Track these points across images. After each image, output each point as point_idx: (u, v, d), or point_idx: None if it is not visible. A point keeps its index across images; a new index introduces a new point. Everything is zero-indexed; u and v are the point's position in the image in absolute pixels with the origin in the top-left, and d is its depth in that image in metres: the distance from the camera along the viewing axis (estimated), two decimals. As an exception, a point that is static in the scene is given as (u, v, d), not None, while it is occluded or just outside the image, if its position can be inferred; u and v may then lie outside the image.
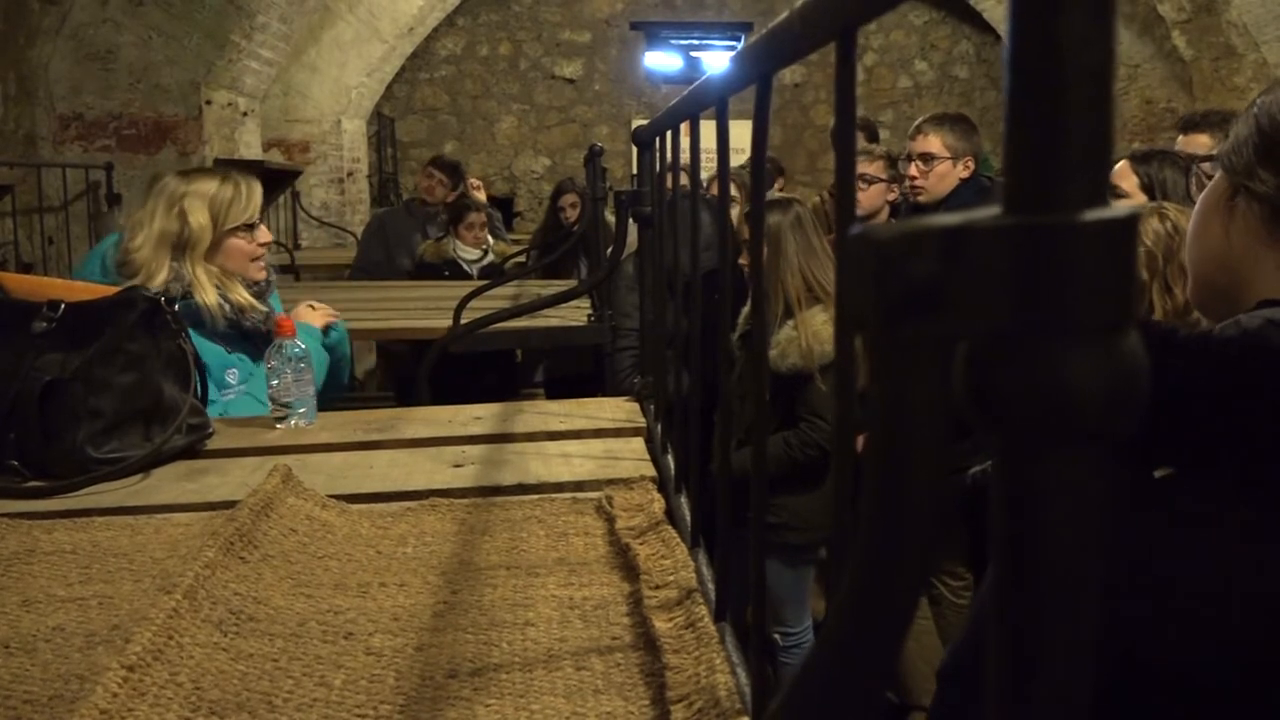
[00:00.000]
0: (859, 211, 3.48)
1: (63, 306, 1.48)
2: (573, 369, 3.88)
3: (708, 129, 1.00)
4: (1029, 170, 0.27)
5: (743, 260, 2.53)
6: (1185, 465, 0.71)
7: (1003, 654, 0.29)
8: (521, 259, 4.80)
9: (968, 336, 0.28)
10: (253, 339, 1.98)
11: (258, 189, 2.01)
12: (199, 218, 1.90)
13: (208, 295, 1.90)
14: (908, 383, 0.29)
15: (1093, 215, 0.26)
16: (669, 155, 1.33)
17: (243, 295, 1.95)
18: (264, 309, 1.99)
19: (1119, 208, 0.27)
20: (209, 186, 1.94)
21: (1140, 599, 0.67)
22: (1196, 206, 0.87)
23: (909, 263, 0.27)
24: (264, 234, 2.03)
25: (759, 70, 0.64)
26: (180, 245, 1.90)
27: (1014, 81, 0.27)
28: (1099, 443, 0.28)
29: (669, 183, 1.36)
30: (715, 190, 3.44)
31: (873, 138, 4.07)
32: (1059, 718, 0.30)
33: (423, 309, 3.44)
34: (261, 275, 2.03)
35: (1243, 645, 0.66)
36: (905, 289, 0.27)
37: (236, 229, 1.96)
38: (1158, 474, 0.71)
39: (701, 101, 0.93)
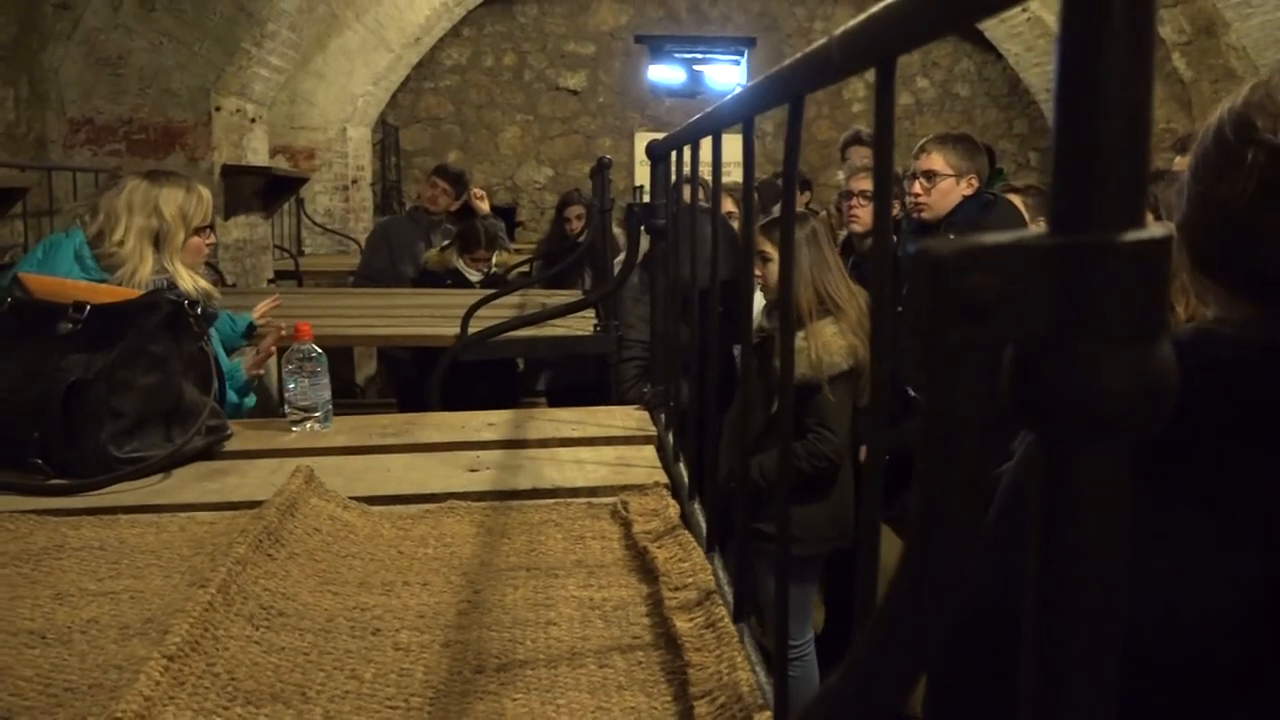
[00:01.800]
0: (858, 228, 3.53)
1: (87, 308, 1.50)
2: (576, 378, 3.90)
3: (709, 144, 1.04)
4: (1073, 194, 0.30)
5: (759, 272, 2.56)
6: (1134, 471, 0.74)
7: (1038, 639, 0.32)
8: (524, 269, 4.83)
9: (1014, 343, 0.31)
10: (209, 323, 2.16)
11: (209, 196, 2.30)
12: (174, 220, 2.14)
13: (188, 284, 2.11)
14: (957, 386, 0.32)
15: (1130, 236, 0.29)
16: (685, 169, 1.36)
17: (206, 283, 2.21)
18: (219, 295, 2.28)
19: (1154, 229, 0.30)
20: (178, 192, 2.19)
21: None
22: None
23: (964, 276, 0.30)
24: (211, 236, 2.33)
25: (791, 92, 0.68)
26: (157, 241, 2.13)
27: (1061, 114, 0.30)
28: (1129, 439, 0.31)
29: (685, 196, 1.39)
30: (724, 203, 3.47)
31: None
32: (1091, 704, 0.32)
33: (426, 316, 3.47)
34: (202, 268, 2.31)
35: (1184, 651, 0.69)
36: (960, 300, 0.30)
37: (199, 229, 2.22)
38: None
39: (726, 119, 0.96)
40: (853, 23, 0.51)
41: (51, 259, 2.11)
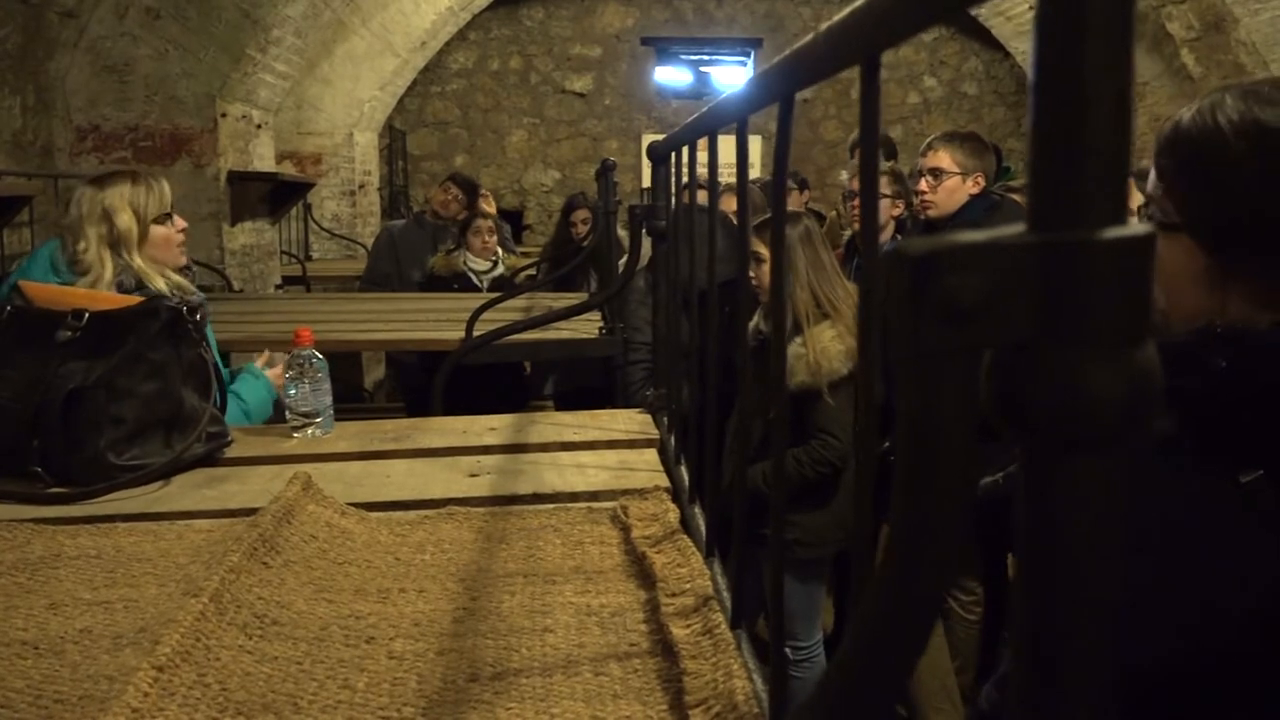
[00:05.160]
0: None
1: (87, 315, 1.50)
2: (584, 381, 3.89)
3: (721, 144, 1.02)
4: (1052, 191, 0.29)
5: (752, 273, 2.54)
6: (1274, 467, 0.71)
7: (1026, 648, 0.31)
8: (531, 272, 4.83)
9: (994, 347, 0.29)
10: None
11: (165, 183, 2.24)
12: (123, 217, 2.11)
13: (158, 283, 2.07)
14: (936, 391, 0.31)
15: (1112, 233, 0.28)
16: (685, 170, 1.35)
17: (177, 278, 2.15)
18: (195, 290, 2.19)
19: (1136, 225, 0.28)
20: (124, 188, 2.14)
21: (1231, 599, 0.68)
22: (1161, 269, 0.84)
23: (940, 277, 0.29)
24: (179, 221, 2.24)
25: (781, 90, 0.66)
26: (115, 243, 2.10)
27: (1038, 108, 0.29)
28: (1118, 448, 0.29)
29: (685, 197, 1.38)
30: (724, 204, 3.47)
31: (889, 155, 4.09)
32: (1081, 713, 0.31)
33: (433, 320, 3.46)
34: (184, 260, 2.24)
35: None
36: (936, 302, 0.29)
37: (157, 219, 2.16)
38: (1244, 478, 0.71)
39: (721, 119, 0.95)
40: (837, 18, 0.50)
41: (29, 269, 2.14)
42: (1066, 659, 0.31)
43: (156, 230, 2.17)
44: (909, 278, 0.29)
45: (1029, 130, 0.29)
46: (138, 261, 2.10)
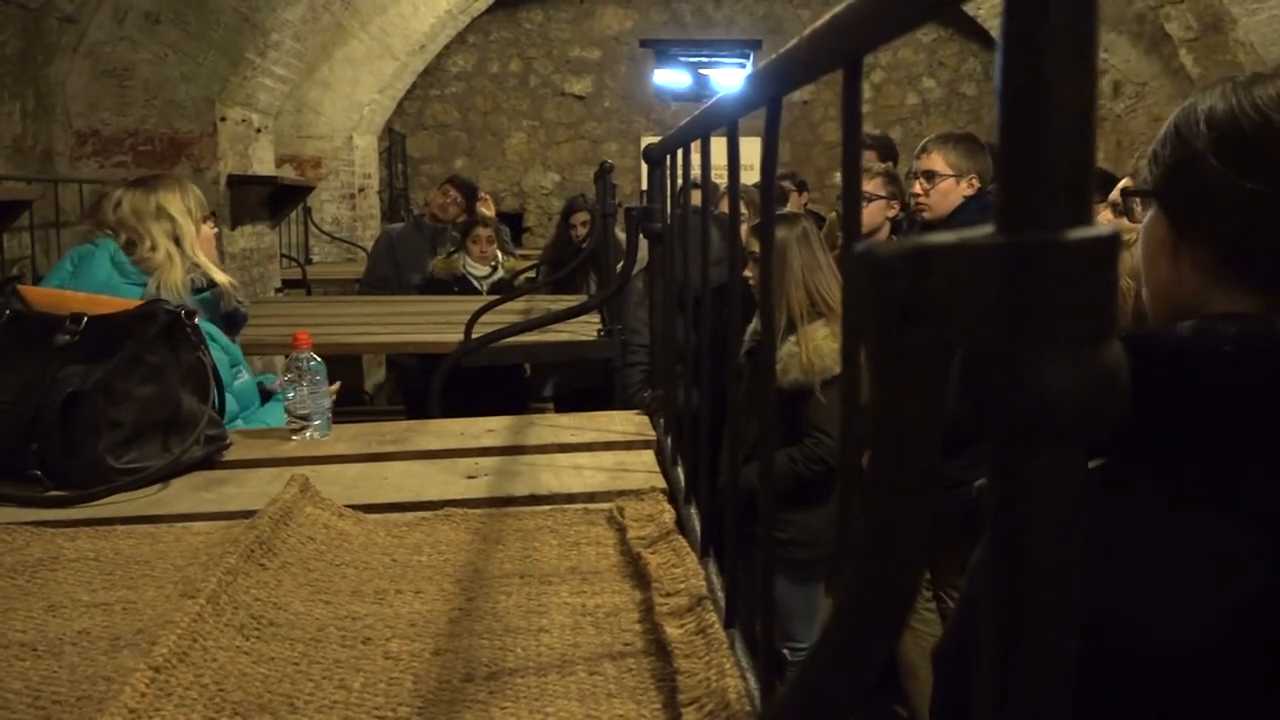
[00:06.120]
0: (860, 229, 3.51)
1: (85, 319, 1.51)
2: (583, 383, 3.90)
3: (718, 146, 1.03)
4: (1018, 193, 0.29)
5: (748, 272, 2.54)
6: (1120, 456, 0.71)
7: (993, 636, 0.32)
8: (531, 275, 4.83)
9: (961, 346, 0.30)
10: (240, 325, 2.27)
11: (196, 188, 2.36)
12: (181, 216, 2.19)
13: (221, 276, 2.17)
14: (903, 390, 0.31)
15: (1076, 234, 0.29)
16: (680, 172, 1.36)
17: (229, 277, 2.24)
18: (242, 294, 2.30)
19: (1100, 227, 0.29)
20: (173, 190, 2.23)
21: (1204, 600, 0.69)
22: (1140, 242, 0.86)
23: (906, 277, 0.29)
24: (215, 225, 2.40)
25: (769, 93, 0.67)
26: (177, 241, 2.17)
27: (1005, 114, 0.29)
28: (1080, 444, 0.30)
29: (680, 199, 1.38)
30: (724, 206, 3.47)
31: (889, 156, 4.09)
32: (1045, 700, 0.32)
33: (433, 323, 3.47)
34: (216, 258, 2.33)
35: (1194, 637, 0.67)
36: (902, 302, 0.29)
37: (204, 219, 2.27)
38: (1092, 464, 0.72)
39: (713, 121, 0.96)
40: (819, 22, 0.51)
41: (86, 270, 2.15)
42: (1030, 652, 0.31)
43: (204, 230, 2.26)
44: (876, 278, 0.30)
45: (997, 134, 0.30)
46: (200, 257, 2.18)
